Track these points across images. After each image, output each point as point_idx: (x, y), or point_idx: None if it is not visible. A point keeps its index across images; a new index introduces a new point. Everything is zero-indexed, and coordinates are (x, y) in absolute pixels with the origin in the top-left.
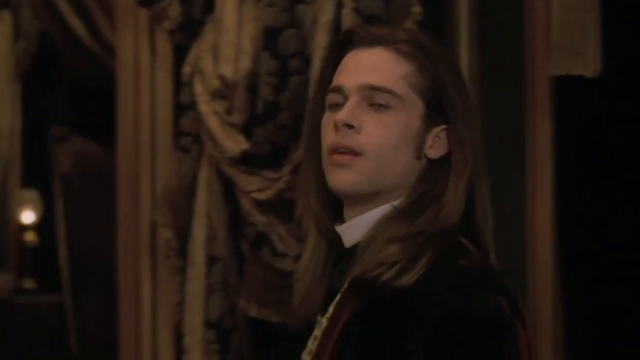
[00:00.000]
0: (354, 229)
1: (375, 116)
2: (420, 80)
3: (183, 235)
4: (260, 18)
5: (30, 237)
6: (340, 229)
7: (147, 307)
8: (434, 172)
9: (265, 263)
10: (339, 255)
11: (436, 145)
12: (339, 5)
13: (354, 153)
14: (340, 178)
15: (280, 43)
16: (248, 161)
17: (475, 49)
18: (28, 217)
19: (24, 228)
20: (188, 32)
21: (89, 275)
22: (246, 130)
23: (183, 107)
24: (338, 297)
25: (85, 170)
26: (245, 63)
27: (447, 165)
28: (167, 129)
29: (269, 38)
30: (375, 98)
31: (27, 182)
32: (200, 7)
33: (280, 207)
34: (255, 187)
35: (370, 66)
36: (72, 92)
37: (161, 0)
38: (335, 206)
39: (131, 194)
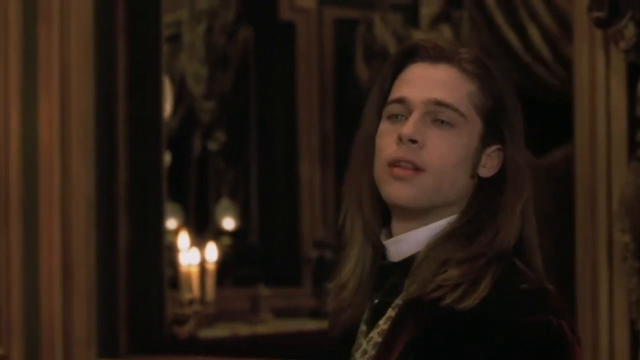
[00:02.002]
0: (403, 243)
1: (439, 132)
2: (482, 100)
3: (639, 238)
4: None
5: None
6: (387, 242)
7: (604, 305)
8: (486, 191)
9: None
10: (385, 268)
11: (488, 165)
12: None
13: (416, 168)
14: (399, 192)
15: None
16: None
17: None
18: None
19: None
20: None
21: None
22: None
23: (638, 121)
24: (391, 313)
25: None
26: None
27: (496, 184)
28: (622, 141)
29: None
30: (439, 114)
31: None
32: None
33: None
34: None
35: (437, 82)
36: None
37: (617, 22)
38: (384, 215)
39: (589, 201)
